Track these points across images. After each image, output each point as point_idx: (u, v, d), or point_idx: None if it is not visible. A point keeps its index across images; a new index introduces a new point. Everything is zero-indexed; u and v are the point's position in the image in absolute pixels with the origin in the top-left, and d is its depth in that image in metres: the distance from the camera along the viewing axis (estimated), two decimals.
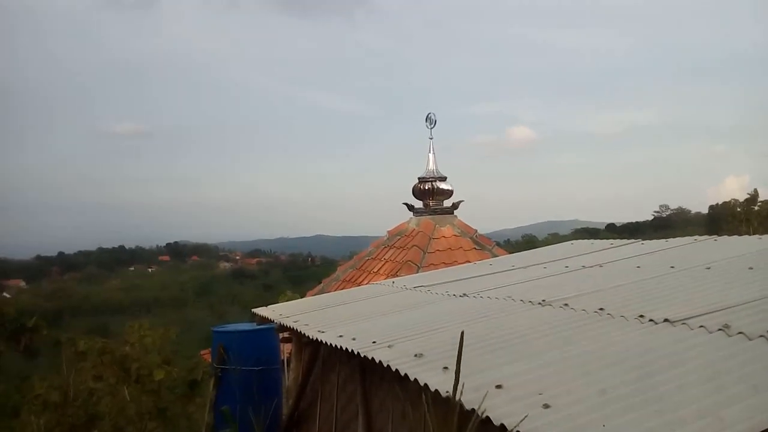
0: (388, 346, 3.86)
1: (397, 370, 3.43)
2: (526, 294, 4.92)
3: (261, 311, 6.14)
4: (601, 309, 4.12)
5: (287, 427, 6.21)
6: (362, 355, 3.81)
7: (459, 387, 2.64)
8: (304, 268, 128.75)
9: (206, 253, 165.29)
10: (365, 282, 10.82)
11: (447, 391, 2.97)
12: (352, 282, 11.36)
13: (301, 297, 17.16)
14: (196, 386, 14.07)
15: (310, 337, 4.68)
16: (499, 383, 2.98)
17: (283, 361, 7.56)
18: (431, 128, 12.28)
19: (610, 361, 3.22)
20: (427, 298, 5.67)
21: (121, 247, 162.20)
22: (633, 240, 7.66)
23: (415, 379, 3.24)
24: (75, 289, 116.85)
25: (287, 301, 15.92)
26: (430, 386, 3.09)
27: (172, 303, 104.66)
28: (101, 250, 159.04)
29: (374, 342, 3.98)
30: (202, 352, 12.75)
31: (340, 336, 4.34)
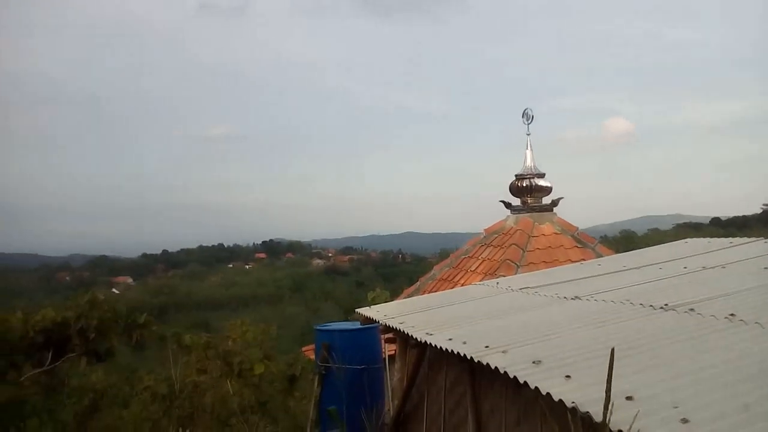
0: (503, 352, 3.73)
1: (515, 377, 3.30)
2: (645, 297, 4.66)
3: (365, 311, 6.13)
4: (731, 315, 3.83)
5: (393, 427, 6.18)
6: (476, 360, 3.71)
7: (607, 405, 2.46)
8: (394, 265, 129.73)
9: (300, 250, 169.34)
10: (462, 281, 10.68)
11: (573, 402, 2.83)
12: (449, 281, 11.24)
13: (393, 294, 17.14)
14: (295, 381, 14.38)
15: (418, 340, 4.62)
16: (629, 394, 2.79)
17: (384, 360, 7.56)
18: (528, 124, 11.97)
19: (750, 373, 2.97)
20: (536, 300, 5.48)
21: (220, 245, 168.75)
22: (755, 238, 7.15)
23: (536, 387, 3.11)
24: (178, 286, 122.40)
25: (377, 297, 15.99)
26: (553, 396, 2.94)
27: (268, 299, 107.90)
28: (202, 248, 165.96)
29: (487, 347, 3.85)
30: (304, 348, 12.98)
31: (450, 339, 4.25)
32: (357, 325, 7.49)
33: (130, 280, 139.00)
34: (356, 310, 6.47)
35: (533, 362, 3.44)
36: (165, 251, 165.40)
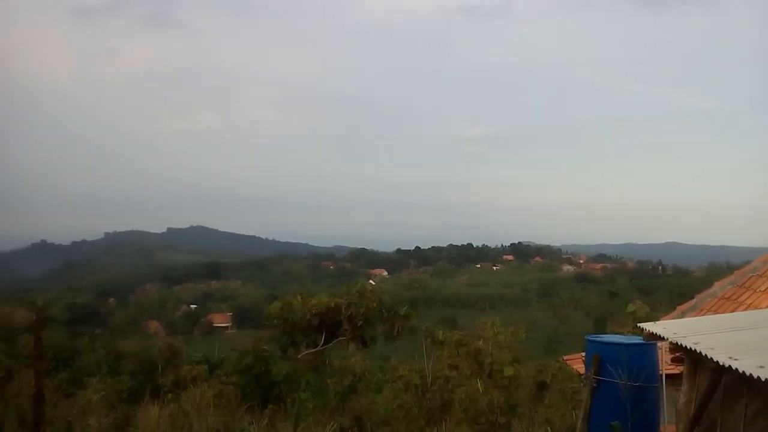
0: None
1: None
2: None
3: (650, 326, 5.68)
4: None
5: None
6: None
7: None
8: (653, 277, 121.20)
9: (549, 254, 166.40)
10: (749, 301, 9.51)
11: None
12: (732, 300, 10.07)
13: (652, 309, 15.82)
14: (545, 388, 13.98)
15: (719, 363, 4.12)
16: None
17: (661, 378, 6.99)
18: None
19: None
20: None
21: (469, 245, 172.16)
22: None
23: None
24: (428, 282, 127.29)
25: (637, 310, 14.90)
26: None
27: (514, 302, 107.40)
28: (452, 247, 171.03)
29: None
30: (566, 357, 12.59)
31: (761, 367, 3.72)
32: (631, 339, 7.04)
33: (385, 272, 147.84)
34: (639, 324, 6.04)
35: None
36: (417, 248, 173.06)
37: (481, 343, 13.88)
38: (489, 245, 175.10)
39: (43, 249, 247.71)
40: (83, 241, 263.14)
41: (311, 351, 12.43)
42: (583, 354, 8.06)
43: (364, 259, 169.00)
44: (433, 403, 12.91)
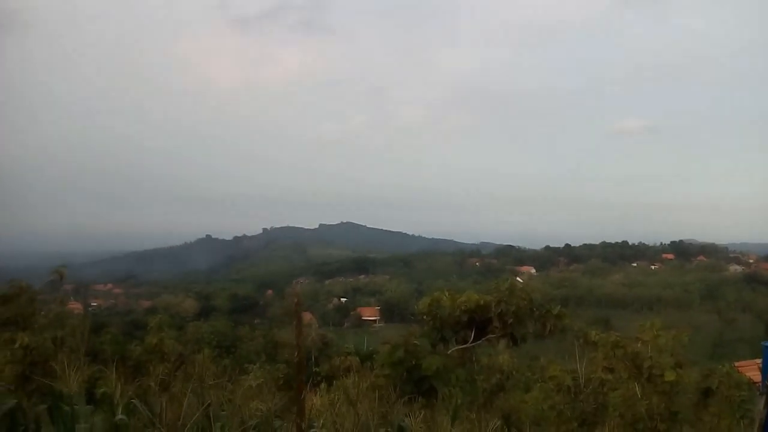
0: None
1: None
2: None
3: None
4: None
5: None
6: None
7: None
8: None
9: (714, 253, 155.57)
10: None
11: None
12: None
13: None
14: (710, 395, 13.07)
15: None
16: None
17: None
18: None
19: None
20: None
21: (624, 243, 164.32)
22: None
23: None
24: (579, 280, 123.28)
25: None
26: None
27: (674, 303, 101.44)
28: (604, 245, 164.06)
29: None
30: (738, 364, 11.76)
31: None
32: None
33: (532, 270, 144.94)
34: None
35: None
36: (567, 245, 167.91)
37: (639, 345, 13.23)
38: (646, 243, 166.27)
39: (208, 243, 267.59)
40: (243, 236, 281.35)
41: (460, 347, 12.43)
42: (759, 360, 7.46)
43: (510, 256, 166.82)
44: (587, 405, 12.50)
